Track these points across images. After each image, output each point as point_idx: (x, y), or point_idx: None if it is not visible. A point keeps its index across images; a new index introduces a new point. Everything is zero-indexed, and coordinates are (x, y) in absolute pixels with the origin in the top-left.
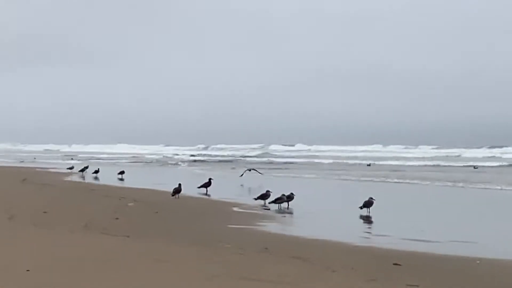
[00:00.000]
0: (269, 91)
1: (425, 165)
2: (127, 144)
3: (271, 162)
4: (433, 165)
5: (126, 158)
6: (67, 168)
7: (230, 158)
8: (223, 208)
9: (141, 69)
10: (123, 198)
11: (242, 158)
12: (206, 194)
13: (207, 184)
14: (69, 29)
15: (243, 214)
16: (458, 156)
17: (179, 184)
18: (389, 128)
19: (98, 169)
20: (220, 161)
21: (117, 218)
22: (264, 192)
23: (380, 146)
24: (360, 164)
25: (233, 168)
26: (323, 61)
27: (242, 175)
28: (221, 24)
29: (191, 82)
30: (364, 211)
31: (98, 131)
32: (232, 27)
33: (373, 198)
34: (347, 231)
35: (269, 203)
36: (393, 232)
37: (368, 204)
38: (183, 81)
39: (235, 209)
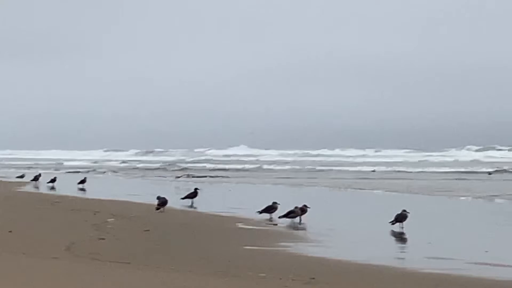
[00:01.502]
0: (233, 86)
1: (426, 172)
2: (52, 149)
3: (214, 169)
4: (430, 172)
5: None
6: (17, 177)
7: (161, 166)
8: (225, 225)
9: (76, 62)
10: (98, 213)
11: (180, 165)
12: (191, 206)
13: (192, 195)
14: None
15: (254, 232)
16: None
17: (160, 196)
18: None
19: (55, 177)
20: (147, 168)
21: (102, 239)
22: (270, 204)
23: (373, 150)
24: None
25: (163, 177)
26: (296, 52)
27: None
28: (183, 11)
29: (134, 75)
30: (396, 227)
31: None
32: (198, 14)
33: (407, 210)
34: (395, 252)
35: (279, 217)
36: (452, 254)
37: (401, 218)
38: (124, 75)
39: (240, 225)
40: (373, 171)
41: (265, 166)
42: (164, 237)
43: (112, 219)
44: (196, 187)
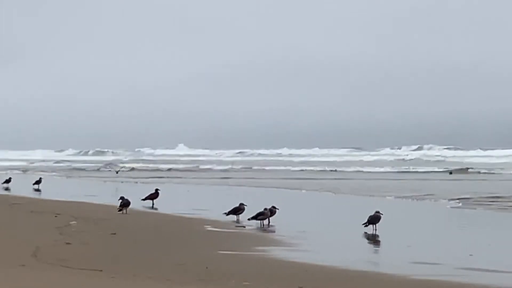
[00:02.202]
0: (176, 88)
1: (385, 172)
2: None
3: (155, 169)
4: (394, 172)
5: None
6: None
7: (98, 166)
8: (194, 227)
9: (17, 63)
10: (59, 215)
11: (121, 165)
12: (152, 207)
13: (153, 196)
14: None
15: (226, 235)
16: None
17: (123, 197)
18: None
19: (10, 178)
20: (83, 169)
21: (68, 243)
22: (237, 205)
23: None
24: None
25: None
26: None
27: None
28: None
29: (76, 77)
30: (369, 229)
31: None
32: (139, 15)
33: (380, 212)
34: (377, 256)
35: (249, 219)
36: (436, 258)
37: (374, 219)
38: (64, 76)
39: (208, 228)
40: (335, 170)
41: (203, 166)
42: (133, 241)
43: (75, 222)
44: (156, 187)
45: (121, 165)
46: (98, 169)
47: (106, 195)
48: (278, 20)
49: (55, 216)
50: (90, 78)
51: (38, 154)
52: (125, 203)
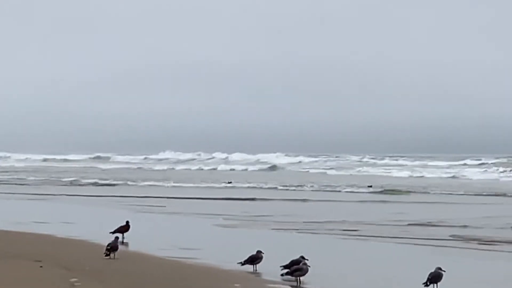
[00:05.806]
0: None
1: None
2: None
3: None
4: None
5: None
6: None
7: None
8: (222, 284)
9: None
10: (42, 264)
11: None
12: (123, 242)
13: (123, 229)
14: None
15: None
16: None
17: (116, 239)
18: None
19: None
20: None
21: None
22: (254, 253)
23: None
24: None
25: None
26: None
27: None
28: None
29: None
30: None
31: None
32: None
33: (442, 268)
34: None
35: (284, 274)
36: None
37: (436, 278)
38: None
39: None
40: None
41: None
42: None
43: (76, 279)
44: (127, 220)
45: None
46: None
47: (56, 222)
48: (169, 24)
49: (41, 267)
50: None
51: None
52: (113, 247)
